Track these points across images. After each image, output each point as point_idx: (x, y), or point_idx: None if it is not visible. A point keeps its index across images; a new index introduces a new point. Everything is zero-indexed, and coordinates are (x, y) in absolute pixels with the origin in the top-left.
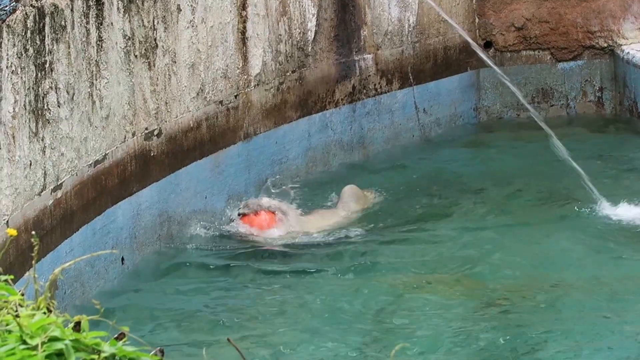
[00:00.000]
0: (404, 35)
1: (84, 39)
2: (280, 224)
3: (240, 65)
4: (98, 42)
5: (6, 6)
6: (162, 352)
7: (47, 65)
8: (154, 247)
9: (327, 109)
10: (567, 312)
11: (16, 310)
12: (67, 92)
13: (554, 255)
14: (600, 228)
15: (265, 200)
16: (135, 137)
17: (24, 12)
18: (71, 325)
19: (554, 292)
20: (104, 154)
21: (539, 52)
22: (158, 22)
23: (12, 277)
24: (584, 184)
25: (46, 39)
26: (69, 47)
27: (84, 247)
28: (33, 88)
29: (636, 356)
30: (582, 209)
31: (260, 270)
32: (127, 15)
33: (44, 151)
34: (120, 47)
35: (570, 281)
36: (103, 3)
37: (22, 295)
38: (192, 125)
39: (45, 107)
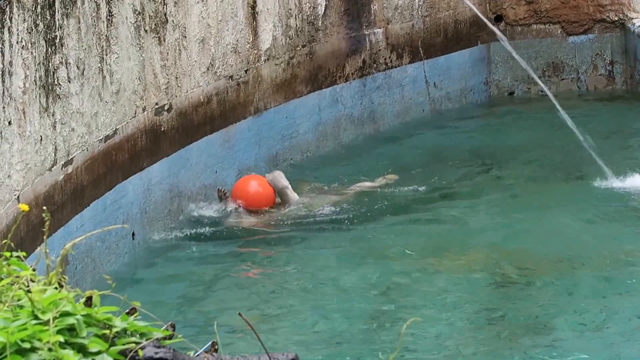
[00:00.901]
0: (414, 9)
1: (94, 14)
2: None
3: (251, 39)
4: (108, 17)
5: None
6: (173, 326)
7: (58, 40)
8: (164, 222)
9: (337, 84)
10: (576, 286)
11: (28, 286)
12: (78, 67)
13: (563, 230)
14: (609, 201)
15: (283, 184)
16: (145, 112)
17: None
18: (82, 300)
19: (563, 265)
20: (114, 129)
21: (549, 25)
22: None
23: (24, 254)
24: (594, 158)
25: (56, 14)
26: (79, 22)
27: (95, 222)
28: (43, 63)
29: None
30: (592, 182)
31: (271, 247)
32: None
33: (55, 126)
34: (131, 22)
35: (579, 255)
36: None
37: (34, 270)
38: (202, 100)
39: (56, 82)
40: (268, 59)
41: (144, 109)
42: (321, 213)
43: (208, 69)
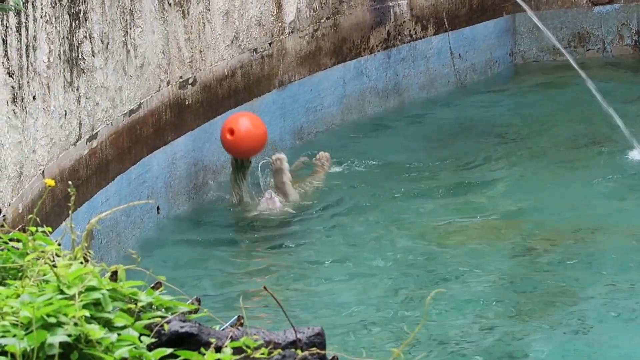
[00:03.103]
0: None
1: None
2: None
3: (275, 12)
4: None
5: None
6: (198, 301)
7: (81, 14)
8: (189, 196)
9: (362, 56)
10: (602, 257)
11: (53, 261)
12: (102, 42)
13: (589, 200)
14: (635, 173)
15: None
16: (170, 86)
17: None
18: (108, 274)
19: (588, 236)
20: (138, 103)
21: None
22: None
23: (49, 229)
24: (620, 128)
25: None
26: None
27: (120, 197)
28: (67, 37)
29: None
30: (618, 153)
31: (294, 224)
32: None
33: (79, 101)
34: None
35: (605, 226)
36: None
37: (59, 245)
38: (226, 73)
39: (80, 57)
40: (292, 32)
41: (168, 83)
42: (342, 190)
43: (232, 42)
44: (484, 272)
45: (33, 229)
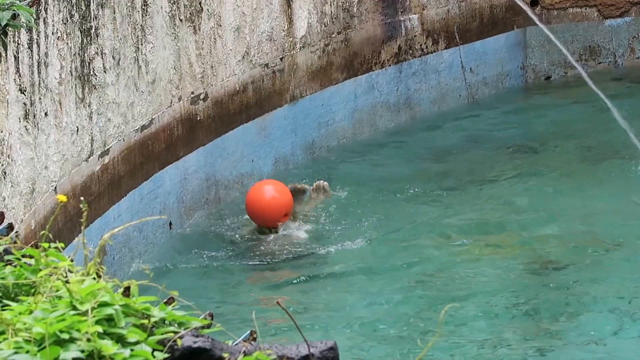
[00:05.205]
0: None
1: (129, 4)
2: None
3: (286, 27)
4: (143, 7)
5: None
6: (211, 316)
7: (93, 30)
8: (201, 211)
9: (373, 70)
10: (616, 270)
11: (66, 276)
12: (113, 58)
13: (602, 214)
14: None
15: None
16: (181, 102)
17: None
18: (120, 290)
19: (602, 250)
20: (150, 119)
21: (585, 9)
22: None
23: (62, 244)
24: (632, 142)
25: (91, 4)
26: (114, 12)
27: (132, 213)
28: (79, 54)
29: None
30: (630, 167)
31: (308, 236)
32: None
33: (91, 117)
34: (166, 12)
35: (618, 239)
36: None
37: (72, 261)
38: (238, 88)
39: (92, 73)
40: (303, 47)
41: (179, 99)
42: (354, 204)
43: (243, 57)
44: (498, 286)
45: (46, 245)
